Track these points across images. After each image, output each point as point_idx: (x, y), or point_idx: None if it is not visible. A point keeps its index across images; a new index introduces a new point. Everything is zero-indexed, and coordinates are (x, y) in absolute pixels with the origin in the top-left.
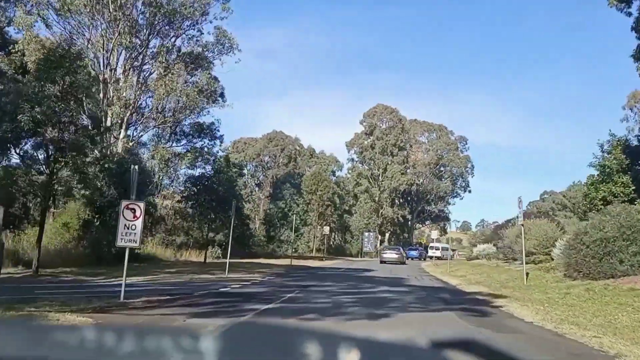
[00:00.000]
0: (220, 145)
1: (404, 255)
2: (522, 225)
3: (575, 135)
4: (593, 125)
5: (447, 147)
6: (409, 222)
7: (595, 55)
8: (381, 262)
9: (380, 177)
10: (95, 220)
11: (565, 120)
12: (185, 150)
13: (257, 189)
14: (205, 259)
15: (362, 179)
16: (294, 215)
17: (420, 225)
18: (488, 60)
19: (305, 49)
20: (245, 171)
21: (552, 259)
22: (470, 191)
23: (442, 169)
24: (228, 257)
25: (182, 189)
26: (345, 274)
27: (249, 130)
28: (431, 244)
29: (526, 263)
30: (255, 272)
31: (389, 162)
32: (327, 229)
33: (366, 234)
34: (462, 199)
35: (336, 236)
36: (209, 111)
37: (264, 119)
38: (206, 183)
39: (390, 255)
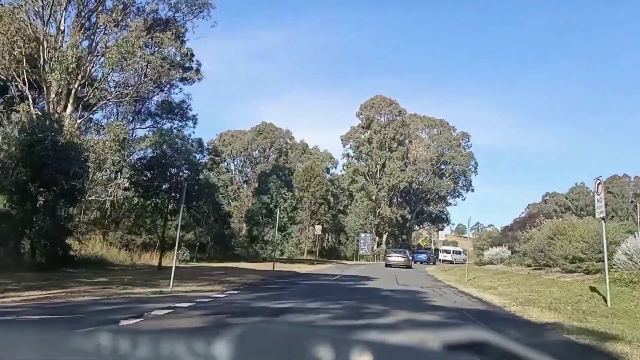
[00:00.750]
0: (193, 128)
1: (410, 258)
2: (604, 219)
3: (575, 137)
4: (593, 127)
5: (448, 144)
6: (408, 223)
7: (595, 55)
8: (386, 265)
9: (377, 174)
10: (11, 209)
11: (564, 121)
12: (152, 133)
13: (245, 186)
14: (160, 264)
15: (359, 175)
16: (280, 211)
17: (418, 227)
18: (486, 62)
19: (302, 50)
20: (232, 166)
21: (613, 268)
22: (473, 190)
23: (442, 167)
24: (175, 261)
25: (132, 172)
26: (340, 284)
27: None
28: (442, 247)
29: (573, 272)
30: (219, 282)
31: (388, 158)
32: (319, 229)
33: (362, 235)
34: (464, 199)
35: (330, 237)
36: (181, 89)
37: (261, 118)
38: (162, 166)
39: (397, 258)
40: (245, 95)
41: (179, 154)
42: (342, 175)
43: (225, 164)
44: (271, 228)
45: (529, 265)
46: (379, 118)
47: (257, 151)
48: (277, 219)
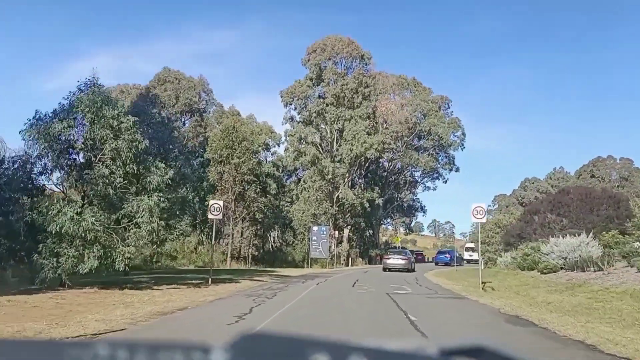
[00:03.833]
0: None
1: (412, 260)
2: None
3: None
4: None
5: (425, 107)
6: (378, 213)
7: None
8: (384, 269)
9: (334, 143)
10: None
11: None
12: None
13: None
14: None
15: (307, 144)
16: (116, 166)
17: (385, 221)
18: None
19: (251, 51)
20: None
21: None
22: (457, 170)
23: (415, 142)
24: None
25: None
26: None
27: None
28: (467, 245)
29: None
30: None
31: (348, 118)
32: (216, 207)
33: (314, 228)
34: (445, 181)
35: (274, 236)
36: None
37: None
38: None
39: (396, 260)
40: None
41: None
42: (286, 149)
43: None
44: (82, 207)
45: None
46: (334, 66)
47: (156, 109)
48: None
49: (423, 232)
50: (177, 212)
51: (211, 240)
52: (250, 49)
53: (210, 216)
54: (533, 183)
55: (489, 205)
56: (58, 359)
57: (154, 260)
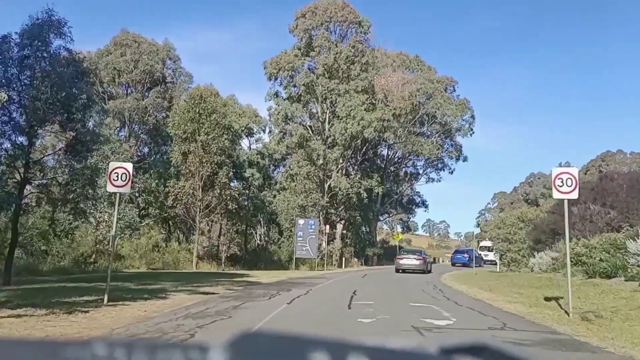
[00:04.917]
0: None
1: (428, 261)
2: None
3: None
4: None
5: (431, 87)
6: (376, 206)
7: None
8: (397, 270)
9: (327, 123)
10: None
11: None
12: None
13: None
14: None
15: (294, 123)
16: None
17: (383, 217)
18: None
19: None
20: None
21: None
22: (465, 159)
23: (417, 128)
24: None
25: None
26: None
27: None
28: (482, 244)
29: None
30: None
31: (343, 93)
32: (120, 175)
33: (300, 222)
34: (452, 171)
35: (260, 234)
36: None
37: None
38: None
39: (410, 261)
40: None
41: None
42: (270, 130)
43: None
44: None
45: None
46: (327, 33)
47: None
48: None
49: (417, 232)
50: (84, 190)
51: (183, 237)
52: (244, 50)
53: (110, 188)
54: (539, 178)
55: (488, 204)
56: (56, 358)
57: (91, 261)
